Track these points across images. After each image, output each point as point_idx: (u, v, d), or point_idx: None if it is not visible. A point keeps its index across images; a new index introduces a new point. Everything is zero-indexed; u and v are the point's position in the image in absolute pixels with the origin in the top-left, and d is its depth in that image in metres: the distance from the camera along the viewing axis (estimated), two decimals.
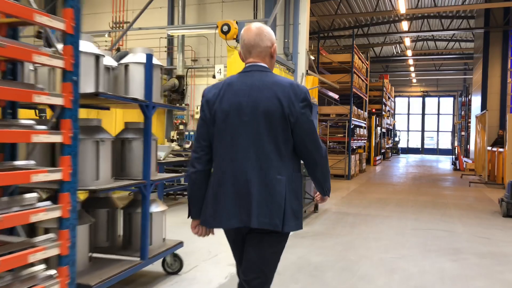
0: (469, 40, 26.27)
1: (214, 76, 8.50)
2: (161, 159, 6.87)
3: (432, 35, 25.41)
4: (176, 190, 8.56)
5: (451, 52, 27.57)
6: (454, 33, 25.00)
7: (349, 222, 6.85)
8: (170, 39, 10.50)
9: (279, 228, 1.99)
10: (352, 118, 13.40)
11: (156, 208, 3.87)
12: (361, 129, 16.52)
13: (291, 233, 3.62)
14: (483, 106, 17.91)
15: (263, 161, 2.01)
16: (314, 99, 8.69)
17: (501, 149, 12.79)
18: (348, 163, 13.10)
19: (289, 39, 9.46)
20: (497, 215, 7.78)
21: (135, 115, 7.72)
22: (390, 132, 30.98)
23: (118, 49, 9.66)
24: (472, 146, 20.15)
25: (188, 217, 2.22)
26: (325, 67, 14.27)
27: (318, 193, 2.27)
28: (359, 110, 14.94)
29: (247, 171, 2.02)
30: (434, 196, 10.09)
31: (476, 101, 19.99)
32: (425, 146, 36.17)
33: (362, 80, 15.70)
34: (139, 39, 10.62)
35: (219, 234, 2.36)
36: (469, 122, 24.69)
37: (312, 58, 11.48)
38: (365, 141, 17.99)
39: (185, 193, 8.57)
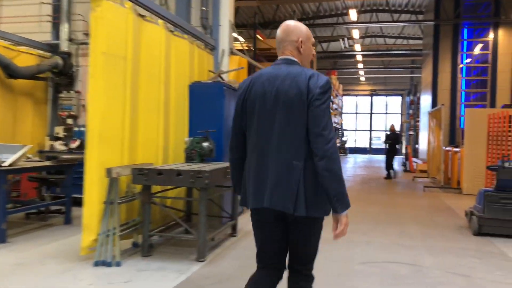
0: (417, 37, 25.49)
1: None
2: (5, 164, 4.80)
3: (381, 27, 24.33)
4: (48, 206, 6.20)
5: (400, 47, 26.66)
6: (403, 26, 24.03)
7: None
8: (56, 6, 8.04)
9: (290, 211, 2.08)
10: None
11: None
12: None
13: None
14: (434, 103, 16.82)
15: (284, 147, 2.11)
16: (238, 84, 6.66)
17: (456, 149, 11.43)
18: None
19: (208, 7, 7.36)
20: (466, 232, 6.11)
21: None
22: (338, 132, 29.82)
23: None
24: (422, 146, 19.06)
25: (235, 192, 2.82)
26: (264, 54, 12.35)
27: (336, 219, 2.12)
28: None
29: (268, 157, 2.15)
30: (388, 206, 8.39)
31: (425, 98, 18.96)
32: (373, 146, 35.43)
33: None
34: (13, 5, 8.13)
35: None
36: (418, 121, 23.89)
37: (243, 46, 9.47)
38: None
39: (63, 210, 6.24)
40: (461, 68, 16.85)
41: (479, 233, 5.86)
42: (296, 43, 2.24)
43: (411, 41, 26.44)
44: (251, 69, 11.90)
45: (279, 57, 2.27)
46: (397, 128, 35.14)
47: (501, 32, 16.15)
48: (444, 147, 11.36)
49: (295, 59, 2.23)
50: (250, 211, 2.30)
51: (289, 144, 2.10)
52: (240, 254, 4.82)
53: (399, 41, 26.73)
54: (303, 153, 2.09)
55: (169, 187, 5.17)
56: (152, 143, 5.33)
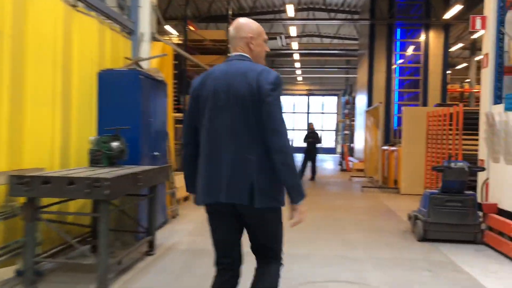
0: (353, 38, 25.81)
1: None
2: None
3: (318, 26, 24.31)
4: None
5: (336, 47, 26.83)
6: (339, 27, 24.15)
7: (201, 275, 4.01)
8: None
9: (246, 202, 2.12)
10: None
11: None
12: None
13: None
14: (370, 102, 16.84)
15: (237, 142, 2.15)
16: (160, 74, 5.74)
17: (393, 148, 11.27)
18: None
19: None
20: (410, 238, 5.65)
21: None
22: None
23: None
24: (358, 145, 19.11)
25: (187, 191, 2.50)
26: (196, 46, 11.42)
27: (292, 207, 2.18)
28: None
29: (222, 152, 2.17)
30: (327, 209, 7.86)
31: (361, 98, 19.03)
32: None
33: None
34: None
35: None
36: (353, 121, 24.13)
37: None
38: None
39: None
40: (395, 68, 17.04)
41: (424, 238, 5.41)
42: (246, 40, 2.29)
43: (346, 41, 26.74)
44: (182, 61, 10.95)
45: (231, 54, 2.32)
46: (333, 127, 35.85)
47: (432, 34, 16.50)
48: (381, 146, 11.15)
49: (247, 55, 2.28)
50: (205, 207, 2.30)
51: (242, 139, 2.14)
52: (156, 280, 3.91)
53: (335, 41, 26.94)
54: (256, 147, 2.14)
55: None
56: (45, 143, 4.25)
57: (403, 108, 10.11)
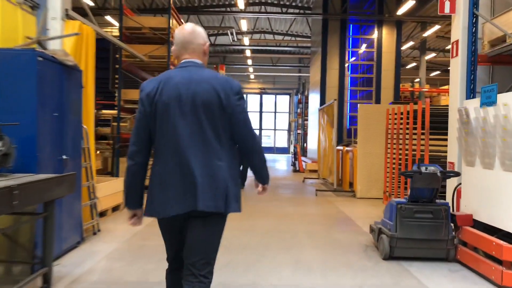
0: (305, 35, 25.32)
1: None
2: None
3: (270, 22, 23.55)
4: None
5: (289, 44, 26.24)
6: (292, 23, 23.48)
7: None
8: None
9: (223, 210, 2.15)
10: None
11: None
12: None
13: None
14: (323, 100, 16.24)
15: (205, 149, 2.14)
16: (70, 57, 4.54)
17: (348, 148, 10.60)
18: None
19: None
20: (374, 256, 4.83)
21: None
22: None
23: None
24: (311, 145, 18.50)
25: (125, 207, 2.31)
26: (134, 34, 10.14)
27: (259, 185, 2.41)
28: None
29: (190, 159, 2.12)
30: (277, 218, 6.95)
31: (314, 97, 18.42)
32: (263, 145, 34.85)
33: None
34: None
35: None
36: (306, 120, 23.58)
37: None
38: None
39: None
40: (348, 66, 16.56)
41: (390, 256, 4.62)
42: (203, 47, 2.30)
43: (299, 39, 26.21)
44: (115, 51, 9.66)
45: (184, 59, 2.27)
46: (285, 127, 35.35)
47: (384, 30, 16.14)
48: (335, 147, 10.43)
49: (202, 62, 2.28)
50: (159, 219, 2.26)
51: (210, 146, 2.14)
52: None
53: (287, 38, 26.30)
54: (224, 153, 2.18)
55: None
56: None
57: (359, 105, 9.43)
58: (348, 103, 16.23)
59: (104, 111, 10.43)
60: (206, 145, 2.13)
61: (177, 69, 2.24)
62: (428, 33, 19.58)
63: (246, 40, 21.93)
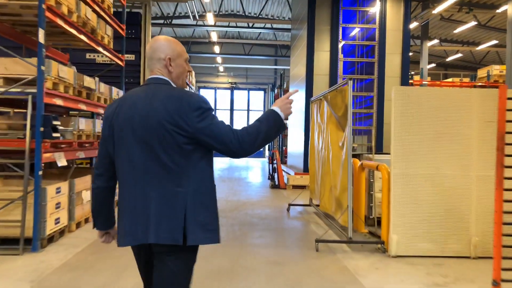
0: (283, 20, 21.39)
1: None
2: None
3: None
4: None
5: (265, 24, 22.06)
6: (265, 4, 19.41)
7: None
8: None
9: (179, 242, 1.89)
10: (51, 93, 5.30)
11: None
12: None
13: None
14: (309, 92, 12.25)
15: (162, 176, 1.93)
16: None
17: (369, 163, 6.51)
18: (35, 206, 4.99)
19: None
20: None
21: None
22: None
23: None
24: (293, 147, 14.43)
25: (94, 227, 2.24)
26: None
27: None
28: (88, 77, 6.66)
29: (145, 188, 1.94)
30: None
31: (297, 87, 14.40)
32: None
33: (98, 14, 7.39)
34: None
35: None
36: (286, 119, 19.59)
37: None
38: None
39: None
40: (342, 47, 12.64)
41: None
42: (164, 61, 2.07)
43: (276, 25, 22.24)
44: None
45: (148, 77, 2.10)
46: None
47: (389, 2, 12.27)
48: (350, 162, 6.26)
49: (166, 78, 2.06)
50: (132, 248, 2.09)
51: (168, 171, 1.92)
52: None
53: (261, 25, 22.26)
54: (185, 178, 1.93)
55: None
56: None
57: (396, 89, 5.23)
58: None
59: None
60: (163, 171, 1.91)
61: (139, 88, 2.06)
62: (437, 9, 15.74)
63: (210, 18, 17.52)
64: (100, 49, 7.12)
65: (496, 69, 17.60)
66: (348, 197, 5.36)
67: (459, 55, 25.79)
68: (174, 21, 21.05)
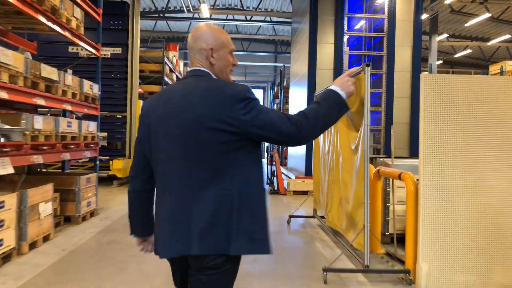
0: (283, 13, 20.31)
1: None
2: None
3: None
4: None
5: (265, 18, 21.01)
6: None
7: None
8: None
9: (226, 251, 1.67)
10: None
11: None
12: (89, 122, 7.46)
13: None
14: (312, 88, 11.21)
15: (200, 178, 1.71)
16: None
17: (387, 169, 5.41)
18: None
19: None
20: None
21: None
22: None
23: None
24: (298, 149, 13.33)
25: (131, 234, 2.04)
26: None
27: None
28: (47, 66, 5.53)
29: (183, 191, 1.73)
30: None
31: (296, 89, 13.34)
32: None
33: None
34: None
35: None
36: None
37: None
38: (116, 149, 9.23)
39: None
40: (348, 39, 11.58)
41: None
42: (206, 52, 1.83)
43: (275, 19, 21.16)
44: None
45: (189, 69, 1.91)
46: None
47: None
48: (367, 170, 5.13)
49: (207, 70, 1.83)
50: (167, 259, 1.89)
51: (209, 173, 1.70)
52: None
53: (261, 18, 21.18)
54: (228, 179, 1.71)
55: None
56: None
57: (425, 76, 4.09)
58: None
59: None
60: (203, 173, 1.69)
61: (178, 83, 1.88)
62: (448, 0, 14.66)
63: (205, 10, 16.42)
64: (67, 34, 6.02)
65: (510, 65, 16.49)
66: (365, 215, 4.24)
67: (467, 51, 24.67)
68: (168, 15, 19.99)
